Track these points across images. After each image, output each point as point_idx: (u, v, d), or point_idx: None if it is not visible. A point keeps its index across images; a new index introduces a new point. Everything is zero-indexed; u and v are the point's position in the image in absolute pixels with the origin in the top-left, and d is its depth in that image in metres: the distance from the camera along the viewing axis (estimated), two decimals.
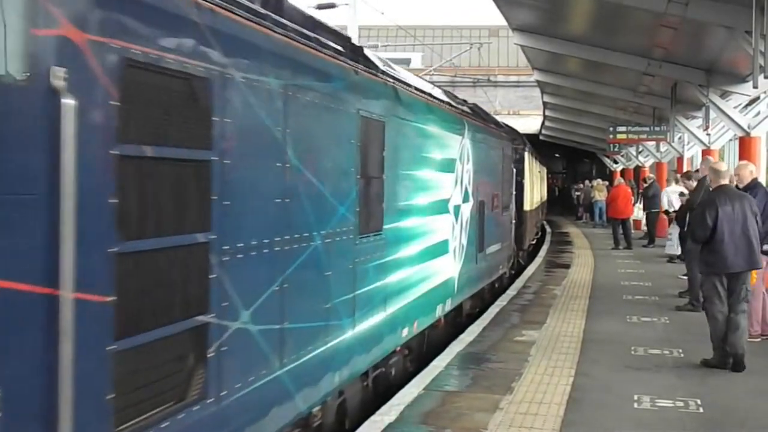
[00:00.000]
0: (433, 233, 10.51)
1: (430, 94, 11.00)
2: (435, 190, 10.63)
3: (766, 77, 12.49)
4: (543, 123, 42.21)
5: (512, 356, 10.65)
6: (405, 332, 9.29)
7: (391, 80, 8.82)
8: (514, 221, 19.35)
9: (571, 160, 67.85)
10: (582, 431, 7.57)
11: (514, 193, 19.26)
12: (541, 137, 45.89)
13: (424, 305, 10.20)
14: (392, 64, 9.70)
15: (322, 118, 6.59)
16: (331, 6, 22.79)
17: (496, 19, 23.76)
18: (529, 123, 44.92)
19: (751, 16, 12.10)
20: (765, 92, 18.61)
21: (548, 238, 32.44)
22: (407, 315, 9.33)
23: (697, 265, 13.87)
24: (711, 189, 10.86)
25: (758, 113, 19.26)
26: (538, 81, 28.55)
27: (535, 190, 29.09)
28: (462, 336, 12.05)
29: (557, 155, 64.11)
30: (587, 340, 11.62)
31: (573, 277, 19.18)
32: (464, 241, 12.62)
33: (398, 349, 9.40)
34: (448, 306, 11.85)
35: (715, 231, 10.03)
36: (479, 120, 14.76)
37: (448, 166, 11.45)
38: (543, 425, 7.64)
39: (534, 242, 28.40)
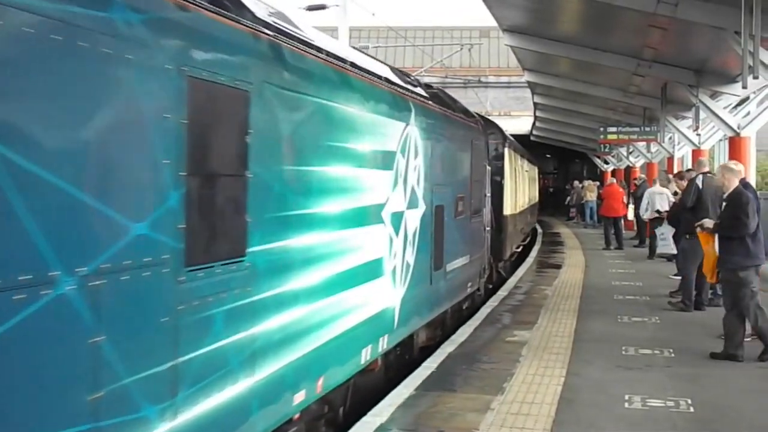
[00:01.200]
0: (353, 252, 7.60)
1: (353, 65, 8.08)
2: (356, 193, 7.72)
3: (755, 78, 12.56)
4: (534, 124, 42.27)
5: (504, 356, 10.67)
6: (299, 398, 6.48)
7: (272, 32, 6.03)
8: (488, 228, 16.52)
9: (562, 160, 67.97)
10: (573, 431, 7.59)
11: (488, 195, 16.34)
12: (532, 138, 45.97)
13: (336, 352, 7.32)
14: (300, 25, 7.16)
15: (86, 72, 3.95)
16: (322, 7, 22.79)
17: (487, 20, 23.74)
18: (520, 124, 45.01)
19: (741, 17, 12.16)
20: (754, 92, 18.70)
21: (539, 238, 32.48)
22: (301, 373, 6.51)
23: (691, 265, 14.01)
24: (730, 187, 11.00)
25: (748, 113, 19.35)
26: (528, 82, 28.62)
27: (522, 192, 26.18)
28: (453, 337, 12.06)
29: (548, 156, 64.21)
30: (579, 340, 11.65)
31: (564, 278, 19.20)
32: (411, 258, 9.70)
33: (296, 416, 6.74)
34: (385, 344, 8.93)
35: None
36: (437, 105, 11.69)
37: (381, 161, 8.51)
38: (534, 425, 7.66)
39: (520, 249, 25.50)
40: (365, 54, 9.98)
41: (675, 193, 17.02)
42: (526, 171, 29.51)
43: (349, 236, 7.55)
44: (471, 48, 38.41)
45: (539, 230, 36.36)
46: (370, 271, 8.24)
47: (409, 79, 11.15)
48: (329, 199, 7.05)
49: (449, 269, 12.09)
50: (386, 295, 8.83)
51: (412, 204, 9.78)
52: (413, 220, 9.83)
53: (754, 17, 11.94)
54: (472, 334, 12.21)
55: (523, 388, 9.01)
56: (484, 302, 15.60)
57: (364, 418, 7.91)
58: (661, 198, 23.70)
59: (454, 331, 12.48)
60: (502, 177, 19.63)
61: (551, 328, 12.57)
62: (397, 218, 9.11)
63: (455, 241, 12.49)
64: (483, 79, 49.31)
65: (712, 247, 11.00)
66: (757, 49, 12.26)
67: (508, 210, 20.25)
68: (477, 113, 17.55)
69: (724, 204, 11.14)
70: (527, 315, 13.88)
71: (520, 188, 25.48)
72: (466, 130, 13.84)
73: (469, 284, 14.18)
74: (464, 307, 14.46)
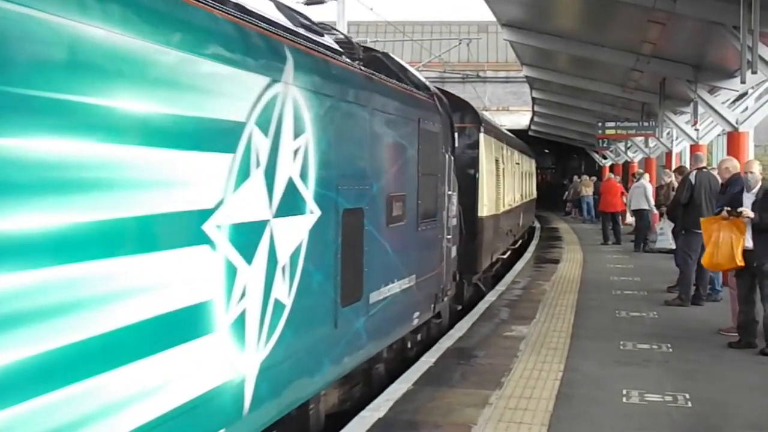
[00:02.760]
0: (112, 299, 4.15)
1: None
2: (119, 191, 4.20)
3: (753, 72, 12.53)
4: (532, 119, 42.25)
5: (501, 351, 10.66)
6: None
7: None
8: (452, 236, 12.15)
9: (560, 156, 67.99)
10: (571, 426, 7.59)
11: (451, 193, 12.08)
12: (530, 133, 45.94)
13: None
14: None
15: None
16: (320, 2, 22.72)
17: (485, 14, 23.72)
18: (518, 119, 45.01)
19: (739, 12, 12.14)
20: (753, 88, 18.67)
21: (537, 233, 32.47)
22: None
23: (689, 260, 14.04)
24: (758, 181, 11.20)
25: (746, 108, 19.32)
26: (527, 77, 28.57)
27: (511, 187, 22.33)
28: (451, 332, 12.06)
29: (546, 151, 64.21)
30: (577, 336, 11.65)
31: (562, 273, 19.20)
32: (287, 295, 6.14)
33: None
34: None
35: None
36: (353, 65, 8.13)
37: (201, 136, 4.92)
38: (532, 420, 7.66)
39: (507, 255, 22.03)
40: None
41: (659, 188, 17.21)
42: (517, 164, 25.43)
43: (99, 272, 4.01)
44: (469, 43, 38.36)
45: (537, 225, 36.34)
46: (168, 329, 4.61)
47: (315, 26, 7.82)
48: (43, 200, 3.65)
49: (376, 299, 8.33)
50: (219, 365, 5.17)
51: (288, 208, 6.12)
52: (291, 233, 6.19)
53: (753, 12, 11.93)
54: (470, 329, 12.21)
55: (521, 383, 9.01)
56: (452, 326, 12.70)
57: (362, 413, 7.91)
58: (638, 193, 23.91)
59: (389, 384, 9.25)
60: (476, 170, 15.90)
61: (549, 324, 12.57)
62: (249, 233, 5.55)
63: (387, 259, 8.76)
64: (481, 74, 49.24)
65: (738, 236, 10.88)
66: (756, 44, 12.24)
67: (485, 210, 16.25)
68: (441, 90, 13.05)
69: (755, 200, 10.96)
70: (525, 310, 13.88)
71: (508, 183, 21.45)
72: (410, 105, 9.85)
73: (416, 314, 10.22)
74: (409, 346, 10.89)
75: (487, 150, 16.80)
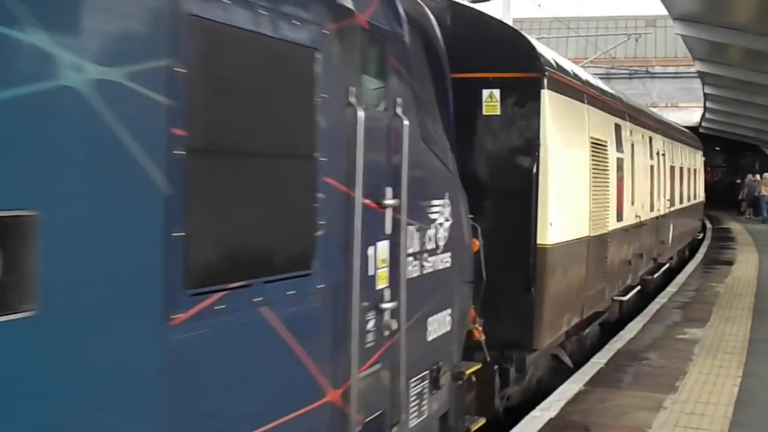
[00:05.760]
0: None
1: None
2: None
3: None
4: (703, 115, 40.94)
5: (675, 354, 10.38)
6: None
7: None
8: (390, 305, 5.25)
9: (732, 153, 65.62)
10: None
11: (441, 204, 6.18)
12: (701, 130, 44.52)
13: None
14: None
15: None
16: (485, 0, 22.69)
17: (654, 8, 23.20)
18: (688, 115, 43.66)
19: None
20: None
21: (709, 234, 31.47)
22: None
23: None
24: None
25: None
26: (698, 72, 27.70)
27: (646, 189, 15.48)
28: (621, 333, 11.82)
29: (717, 148, 62.10)
30: (754, 340, 11.21)
31: (736, 275, 18.53)
32: None
33: None
34: None
35: None
36: None
37: None
38: (710, 426, 7.42)
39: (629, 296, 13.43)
40: None
41: None
42: (662, 154, 17.98)
43: None
44: (638, 38, 37.51)
45: (708, 225, 35.22)
46: None
47: None
48: None
49: None
50: None
51: None
52: None
53: None
54: (641, 331, 11.94)
55: (696, 387, 8.75)
56: None
57: (533, 413, 7.87)
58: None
59: None
60: (536, 159, 8.44)
61: (725, 327, 12.15)
62: None
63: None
64: (650, 69, 48.05)
65: None
66: None
67: (556, 234, 8.73)
68: None
69: None
70: (698, 312, 13.46)
71: (641, 183, 14.78)
72: None
73: None
74: None
75: (563, 123, 9.27)
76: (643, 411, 7.92)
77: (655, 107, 33.84)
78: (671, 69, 48.04)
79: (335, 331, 4.50)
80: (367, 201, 4.71)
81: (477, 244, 7.20)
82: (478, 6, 21.94)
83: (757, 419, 7.70)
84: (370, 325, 4.86)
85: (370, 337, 4.84)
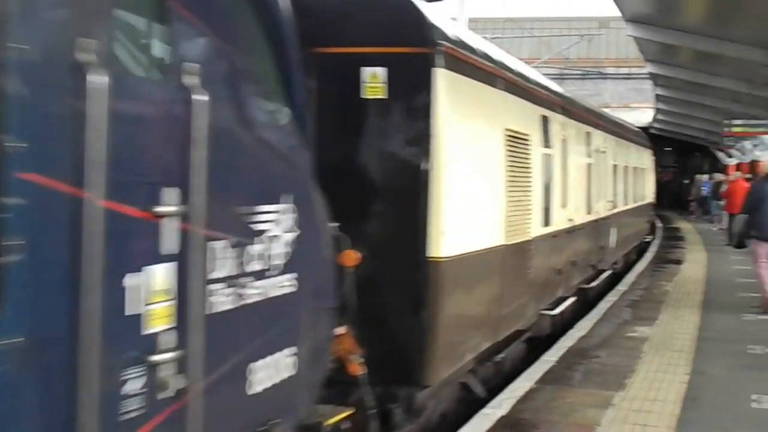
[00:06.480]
0: None
1: None
2: None
3: None
4: (655, 116, 41.41)
5: (624, 352, 10.48)
6: None
7: None
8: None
9: (682, 153, 66.42)
10: (698, 430, 7.41)
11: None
12: (652, 131, 45.02)
13: None
14: None
15: None
16: None
17: (607, 10, 23.37)
18: (639, 116, 44.12)
19: None
20: None
21: (659, 233, 31.82)
22: None
23: None
24: None
25: None
26: (650, 73, 28.02)
27: (582, 188, 13.76)
28: (571, 331, 11.91)
29: (668, 149, 62.83)
30: (702, 338, 11.36)
31: (685, 274, 18.76)
32: None
33: None
34: None
35: None
36: None
37: None
38: (658, 422, 7.51)
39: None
40: None
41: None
42: (602, 152, 16.05)
43: None
44: (590, 39, 37.84)
45: (659, 225, 35.62)
46: None
47: None
48: None
49: None
50: None
51: None
52: None
53: None
54: (591, 330, 12.04)
55: (645, 385, 8.85)
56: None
57: (483, 410, 7.90)
58: None
59: None
60: (425, 154, 6.80)
61: (674, 325, 12.30)
62: None
63: None
64: (602, 70, 48.51)
65: None
66: None
67: (452, 244, 7.10)
68: None
69: None
70: (648, 311, 13.61)
71: (575, 181, 12.98)
72: None
73: None
74: None
75: (467, 111, 7.64)
76: (593, 408, 7.98)
77: (607, 108, 34.15)
78: (623, 70, 48.55)
79: (53, 408, 2.94)
80: (123, 207, 3.22)
81: (354, 257, 6.11)
82: (432, 5, 21.94)
83: (704, 416, 7.80)
84: (133, 386, 3.29)
85: (130, 404, 3.27)
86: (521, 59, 17.00)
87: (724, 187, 32.90)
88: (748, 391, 8.65)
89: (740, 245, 14.89)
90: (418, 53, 6.77)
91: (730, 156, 44.28)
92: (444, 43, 6.92)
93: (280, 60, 4.63)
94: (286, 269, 4.41)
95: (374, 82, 6.65)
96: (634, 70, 44.76)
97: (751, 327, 12.32)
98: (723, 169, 46.39)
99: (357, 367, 6.05)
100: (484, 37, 28.94)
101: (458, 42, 7.48)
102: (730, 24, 18.07)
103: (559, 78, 39.43)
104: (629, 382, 8.91)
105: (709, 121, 34.61)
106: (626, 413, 7.81)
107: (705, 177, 40.43)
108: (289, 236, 4.47)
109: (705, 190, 39.75)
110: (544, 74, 11.63)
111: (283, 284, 4.40)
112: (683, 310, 13.65)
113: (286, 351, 4.44)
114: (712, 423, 7.61)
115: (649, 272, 19.35)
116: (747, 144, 36.50)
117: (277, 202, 4.39)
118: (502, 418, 7.66)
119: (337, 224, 5.49)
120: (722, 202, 32.11)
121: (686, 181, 55.16)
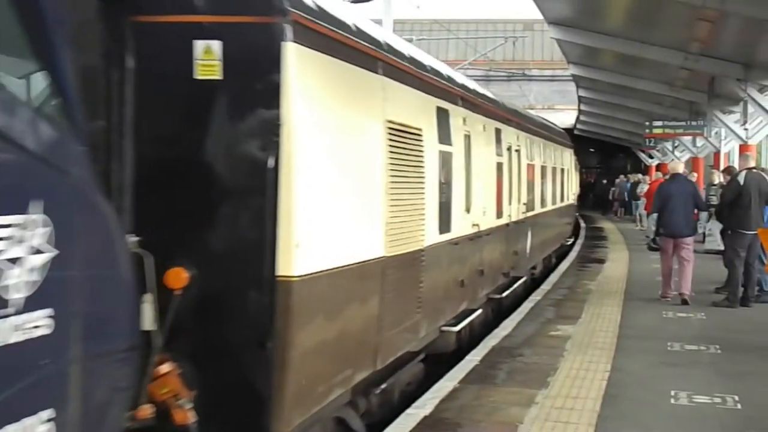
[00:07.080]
0: None
1: None
2: None
3: None
4: (578, 117, 41.99)
5: (547, 351, 10.60)
6: None
7: None
8: None
9: (605, 155, 67.44)
10: (618, 427, 7.52)
11: None
12: (576, 132, 45.65)
13: None
14: None
15: None
16: (366, 0, 22.75)
17: (531, 12, 23.62)
18: (564, 117, 44.71)
19: None
20: None
21: (582, 233, 32.26)
22: None
23: (737, 261, 13.90)
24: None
25: None
26: (573, 75, 28.40)
27: (490, 189, 12.31)
28: (496, 331, 12.01)
29: (592, 150, 63.75)
30: (623, 336, 11.54)
31: (608, 273, 19.06)
32: None
33: None
34: None
35: None
36: None
37: None
38: (579, 420, 7.61)
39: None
40: None
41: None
42: (515, 150, 14.62)
43: None
44: (515, 41, 38.24)
45: (582, 225, 36.11)
46: None
47: None
48: None
49: None
50: None
51: None
52: None
53: None
54: (515, 329, 12.15)
55: (567, 382, 8.96)
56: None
57: (408, 411, 7.91)
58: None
59: None
60: (275, 148, 5.38)
61: (595, 323, 12.48)
62: None
63: None
64: (527, 72, 49.05)
65: None
66: None
67: (313, 258, 5.72)
68: None
69: None
70: (571, 309, 13.79)
71: (483, 181, 11.61)
72: None
73: None
74: None
75: (330, 98, 6.26)
76: (516, 407, 8.05)
77: (532, 109, 34.53)
78: (548, 72, 49.18)
79: None
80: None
81: (181, 278, 5.15)
82: (358, 6, 21.96)
83: (623, 412, 7.93)
84: None
85: None
86: (447, 61, 16.88)
87: (642, 188, 33.64)
88: (668, 387, 8.80)
89: (653, 248, 15.26)
90: (262, 23, 5.39)
91: (651, 157, 45.13)
92: (297, 11, 5.51)
93: (34, 24, 3.32)
94: (32, 304, 3.11)
95: (209, 58, 5.34)
96: (558, 72, 45.37)
97: (671, 325, 12.56)
98: (646, 170, 47.29)
99: (185, 415, 5.01)
100: (410, 39, 28.87)
101: (319, 13, 5.99)
102: (650, 27, 18.41)
103: (485, 80, 39.78)
104: (552, 380, 9.01)
105: (631, 123, 35.20)
106: (549, 411, 7.89)
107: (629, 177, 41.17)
108: (39, 259, 3.15)
109: (627, 191, 40.44)
110: (469, 76, 11.12)
111: (27, 325, 3.09)
112: (605, 308, 13.85)
113: (39, 416, 3.16)
114: (631, 419, 7.74)
115: (573, 271, 19.61)
116: (668, 145, 37.24)
117: (11, 212, 3.04)
118: (426, 417, 7.67)
119: (137, 238, 4.64)
120: (640, 202, 32.84)
121: (604, 182, 56.08)
